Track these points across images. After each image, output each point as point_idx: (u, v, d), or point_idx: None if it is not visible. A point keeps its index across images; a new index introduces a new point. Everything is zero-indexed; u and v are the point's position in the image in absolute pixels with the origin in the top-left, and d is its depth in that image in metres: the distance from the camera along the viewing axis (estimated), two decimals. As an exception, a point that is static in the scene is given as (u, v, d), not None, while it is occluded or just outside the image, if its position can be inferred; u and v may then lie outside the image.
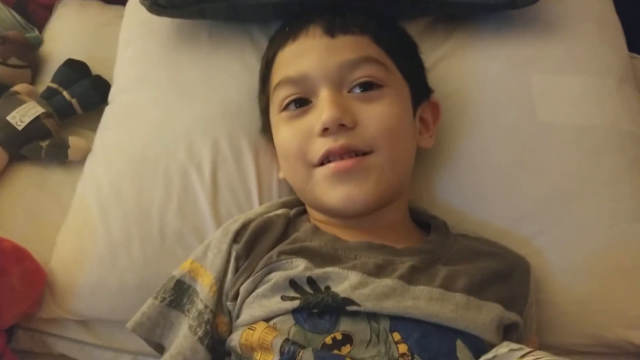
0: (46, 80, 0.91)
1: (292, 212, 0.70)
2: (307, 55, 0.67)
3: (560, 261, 0.71)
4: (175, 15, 0.82)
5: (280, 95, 0.68)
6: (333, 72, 0.66)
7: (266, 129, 0.74)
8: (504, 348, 0.54)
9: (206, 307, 0.62)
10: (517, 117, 0.76)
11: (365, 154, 0.64)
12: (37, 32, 0.99)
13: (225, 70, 0.81)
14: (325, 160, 0.64)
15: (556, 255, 0.71)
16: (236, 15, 0.83)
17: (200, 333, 0.61)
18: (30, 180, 0.83)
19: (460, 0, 0.78)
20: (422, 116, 0.73)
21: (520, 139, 0.75)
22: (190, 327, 0.62)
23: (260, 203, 0.74)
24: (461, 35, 0.83)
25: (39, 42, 0.98)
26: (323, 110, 0.64)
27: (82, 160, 0.82)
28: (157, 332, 0.64)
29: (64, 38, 0.97)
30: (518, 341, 0.59)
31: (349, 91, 0.66)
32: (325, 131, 0.63)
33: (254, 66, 0.81)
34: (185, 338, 0.61)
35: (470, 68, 0.80)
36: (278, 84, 0.69)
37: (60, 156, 0.83)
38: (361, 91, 0.66)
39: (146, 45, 0.86)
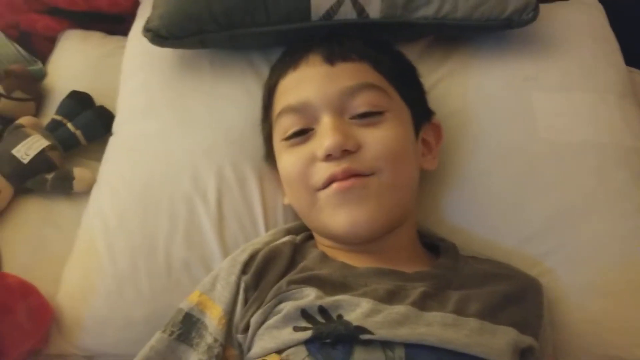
0: (50, 112, 0.91)
1: (298, 238, 0.70)
2: (308, 83, 0.68)
3: (572, 280, 0.70)
4: (176, 46, 0.83)
5: (282, 124, 0.69)
6: (334, 99, 0.66)
7: (270, 156, 0.75)
8: None
9: (216, 340, 0.61)
10: (519, 135, 0.76)
11: (368, 175, 0.64)
12: (40, 65, 0.99)
13: (227, 98, 0.82)
14: (328, 183, 0.64)
15: (567, 275, 0.71)
16: (237, 44, 0.84)
17: None
18: (36, 213, 0.83)
19: (457, 22, 0.79)
20: (425, 138, 0.73)
21: (524, 157, 0.75)
22: None
23: (266, 229, 0.74)
24: (459, 55, 0.84)
25: (42, 75, 0.98)
26: (325, 136, 0.64)
27: (87, 192, 0.82)
28: None
29: (67, 70, 0.98)
30: None
31: (351, 118, 0.66)
32: (328, 157, 0.64)
33: (256, 92, 0.81)
34: None
35: (470, 88, 0.80)
36: (280, 112, 0.69)
37: (65, 188, 0.83)
38: (362, 118, 0.66)
39: (148, 75, 0.86)
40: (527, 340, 0.62)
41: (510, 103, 0.78)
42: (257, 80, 0.83)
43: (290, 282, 0.61)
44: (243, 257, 0.65)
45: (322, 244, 0.69)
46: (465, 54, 0.83)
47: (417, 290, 0.61)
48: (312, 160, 0.65)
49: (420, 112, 0.73)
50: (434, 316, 0.58)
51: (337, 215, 0.64)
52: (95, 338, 0.72)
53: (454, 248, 0.70)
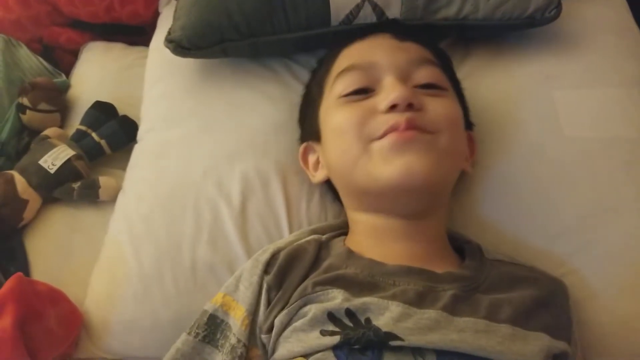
0: (75, 123, 0.93)
1: (324, 237, 0.69)
2: (377, 49, 0.69)
3: (601, 279, 0.69)
4: (198, 56, 0.84)
5: (343, 81, 0.68)
6: (401, 65, 0.67)
7: (306, 124, 0.75)
8: None
9: (239, 341, 0.61)
10: (544, 134, 0.75)
11: (428, 133, 0.63)
12: (64, 77, 1.02)
13: (249, 104, 0.83)
14: (387, 133, 0.63)
15: (597, 273, 0.69)
16: (258, 52, 0.85)
17: None
18: (63, 222, 0.84)
19: (478, 22, 0.79)
20: None
21: (549, 155, 0.74)
22: None
23: (290, 232, 0.74)
24: (480, 55, 0.84)
25: (66, 87, 1.00)
26: (391, 90, 0.64)
27: (113, 200, 0.83)
28: None
29: (90, 81, 1.00)
30: None
31: (414, 86, 0.67)
32: (392, 108, 0.63)
33: (278, 98, 0.83)
34: None
35: (491, 87, 0.80)
36: (343, 70, 0.69)
37: (91, 196, 0.84)
38: (426, 88, 0.67)
39: (171, 84, 0.88)
40: (560, 345, 0.60)
41: (532, 101, 0.77)
42: (278, 87, 0.84)
43: (316, 284, 0.61)
44: (265, 256, 0.65)
45: (354, 233, 0.69)
46: (486, 54, 0.83)
47: (447, 293, 0.60)
48: (371, 112, 0.64)
49: (464, 119, 0.72)
50: (466, 322, 0.57)
51: (390, 164, 0.61)
52: (122, 341, 0.73)
53: (479, 250, 0.69)
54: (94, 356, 0.74)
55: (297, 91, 0.83)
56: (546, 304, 0.63)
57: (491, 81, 0.80)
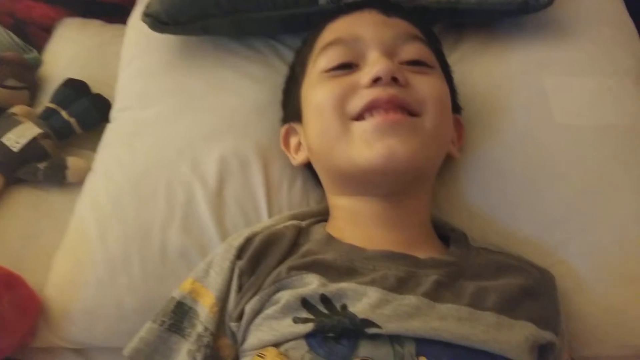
0: (45, 102, 0.88)
1: (304, 223, 0.65)
2: (363, 23, 0.66)
3: (592, 268, 0.67)
4: (178, 32, 0.80)
5: (326, 56, 0.65)
6: (387, 40, 0.64)
7: (291, 110, 0.71)
8: None
9: (206, 329, 0.57)
10: (534, 121, 0.73)
11: (413, 115, 0.61)
12: (35, 53, 0.97)
13: (230, 83, 0.79)
14: (366, 113, 0.60)
15: (587, 263, 0.67)
16: (241, 30, 0.81)
17: (199, 358, 0.56)
18: (27, 204, 0.79)
19: (471, 6, 0.77)
20: None
21: (539, 143, 0.72)
22: (189, 351, 0.57)
23: (270, 216, 0.70)
24: (471, 41, 0.82)
25: (37, 63, 0.96)
26: (375, 63, 0.61)
27: (82, 182, 0.78)
28: (156, 359, 0.59)
29: (63, 58, 0.96)
30: None
31: (400, 62, 0.64)
32: (375, 82, 0.60)
33: (261, 78, 0.79)
34: None
35: (483, 73, 0.78)
36: (327, 45, 0.66)
37: (58, 178, 0.80)
38: (412, 65, 0.64)
39: (149, 60, 0.84)
40: (546, 335, 0.58)
41: (524, 88, 0.75)
42: (261, 67, 0.81)
43: (290, 268, 0.57)
44: (239, 241, 0.61)
45: (334, 217, 0.66)
46: (478, 40, 0.81)
47: (429, 278, 0.57)
48: (353, 88, 0.61)
49: (451, 102, 0.70)
50: (448, 309, 0.54)
51: (372, 147, 0.58)
52: (84, 330, 0.68)
53: (465, 238, 0.66)
54: (54, 346, 0.70)
55: (281, 73, 0.79)
56: (533, 293, 0.60)
57: (483, 67, 0.78)
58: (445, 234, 0.67)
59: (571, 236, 0.68)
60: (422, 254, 0.60)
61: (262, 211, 0.70)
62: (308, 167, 0.71)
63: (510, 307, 0.57)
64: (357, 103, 0.60)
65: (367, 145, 0.59)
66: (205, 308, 0.58)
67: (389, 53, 0.64)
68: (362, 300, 0.53)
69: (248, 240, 0.61)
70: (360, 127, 0.60)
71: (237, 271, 0.59)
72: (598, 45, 0.79)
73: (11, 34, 0.97)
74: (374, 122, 0.59)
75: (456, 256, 0.62)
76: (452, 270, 0.59)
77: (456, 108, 0.72)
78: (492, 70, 0.78)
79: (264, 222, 0.68)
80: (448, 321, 0.53)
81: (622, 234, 0.68)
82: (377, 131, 0.59)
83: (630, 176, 0.70)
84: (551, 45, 0.79)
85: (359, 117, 0.61)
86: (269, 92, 0.78)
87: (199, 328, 0.57)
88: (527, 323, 0.56)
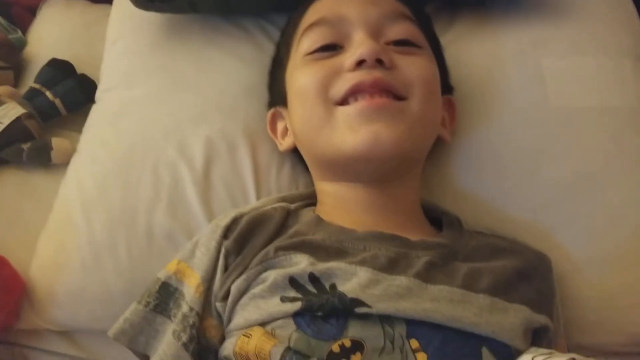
0: (30, 83, 0.87)
1: (293, 205, 0.64)
2: (348, 2, 0.64)
3: (587, 252, 0.66)
4: (164, 10, 0.78)
5: (310, 37, 0.63)
6: (373, 20, 0.62)
7: (277, 95, 0.70)
8: (530, 354, 0.48)
9: (191, 309, 0.56)
10: (530, 102, 0.72)
11: (399, 98, 0.59)
12: (20, 33, 0.95)
13: (219, 63, 0.77)
14: (350, 98, 0.59)
15: (583, 247, 0.66)
16: (229, 7, 0.79)
17: (184, 338, 0.55)
18: (11, 185, 0.78)
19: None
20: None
21: (535, 124, 0.71)
22: (174, 332, 0.55)
23: (258, 199, 0.69)
24: (467, 20, 0.80)
25: (22, 44, 0.94)
26: (359, 45, 0.59)
27: (66, 163, 0.77)
28: (142, 341, 0.57)
29: (48, 39, 0.94)
30: (548, 347, 0.54)
31: (387, 43, 0.62)
32: (359, 64, 0.58)
33: (250, 59, 0.78)
34: (169, 345, 0.55)
35: (477, 54, 0.76)
36: (310, 25, 0.64)
37: (42, 159, 0.78)
38: (399, 46, 0.62)
39: (135, 39, 0.82)
40: (540, 319, 0.57)
41: (520, 69, 0.74)
42: (251, 47, 0.79)
43: (278, 248, 0.56)
44: (225, 221, 0.60)
45: (322, 203, 0.65)
46: (472, 20, 0.79)
47: (421, 259, 0.56)
48: (336, 72, 0.60)
49: (442, 82, 0.68)
50: (440, 290, 0.53)
51: (356, 133, 0.57)
52: (69, 312, 0.67)
53: (458, 221, 0.65)
54: (39, 328, 0.69)
55: (270, 53, 0.77)
56: (528, 276, 0.59)
57: (477, 47, 0.77)
58: (438, 218, 0.66)
59: (566, 219, 0.67)
60: (413, 236, 0.59)
61: (250, 194, 0.69)
62: (295, 152, 0.70)
63: (504, 289, 0.56)
64: (340, 87, 0.59)
65: (351, 130, 0.58)
66: (190, 288, 0.57)
67: (375, 33, 0.62)
68: (352, 280, 0.53)
69: (235, 220, 0.60)
70: (344, 112, 0.59)
71: (223, 251, 0.58)
72: (596, 25, 0.78)
73: (-6, 13, 0.95)
74: (358, 106, 0.58)
75: (448, 238, 0.61)
76: (444, 252, 0.58)
77: (448, 89, 0.71)
78: (487, 50, 0.76)
79: (252, 204, 0.67)
80: (440, 303, 0.52)
81: (617, 218, 0.67)
82: (362, 116, 0.57)
83: (626, 159, 0.69)
84: (548, 25, 0.77)
85: (343, 101, 0.59)
86: (257, 73, 0.76)
87: (185, 308, 0.56)
88: (521, 306, 0.56)
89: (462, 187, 0.70)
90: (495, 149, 0.70)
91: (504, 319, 0.53)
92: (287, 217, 0.61)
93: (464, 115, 0.72)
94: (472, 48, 0.77)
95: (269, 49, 0.79)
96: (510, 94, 0.73)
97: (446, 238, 0.61)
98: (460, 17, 0.80)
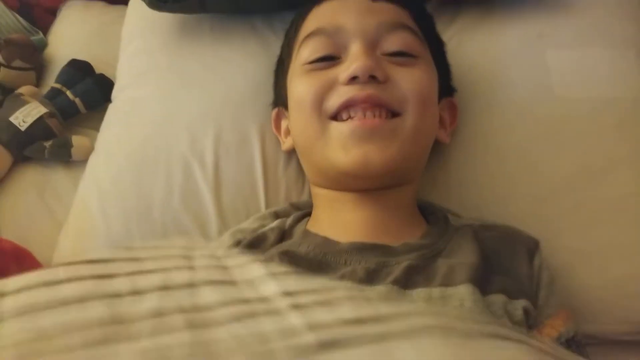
0: (51, 83, 0.90)
1: (288, 222, 0.65)
2: (346, 11, 0.64)
3: (591, 242, 0.66)
4: (175, 10, 0.80)
5: (308, 47, 0.64)
6: (370, 30, 0.62)
7: (280, 96, 0.71)
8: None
9: None
10: (534, 93, 0.72)
11: (393, 114, 0.59)
12: (41, 35, 0.99)
13: (228, 61, 0.79)
14: (344, 112, 0.59)
15: (586, 236, 0.66)
16: (239, 6, 0.81)
17: None
18: (33, 181, 0.82)
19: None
20: (440, 113, 0.68)
21: (539, 115, 0.71)
22: None
23: (266, 195, 0.71)
24: (471, 13, 0.80)
25: (43, 45, 0.97)
26: (354, 59, 0.59)
27: (85, 160, 0.80)
28: None
29: (68, 39, 0.97)
30: (531, 328, 0.54)
31: (383, 54, 0.62)
32: (352, 80, 0.59)
33: (258, 56, 0.79)
34: None
35: (481, 46, 0.76)
36: (309, 35, 0.64)
37: (63, 156, 0.82)
38: (395, 56, 0.62)
39: (148, 40, 0.84)
40: (517, 305, 0.55)
41: (523, 60, 0.74)
42: (259, 45, 0.80)
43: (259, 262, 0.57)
44: (229, 243, 0.62)
45: (315, 206, 0.65)
46: (477, 12, 0.79)
47: (401, 265, 0.55)
48: (332, 84, 0.60)
49: (443, 84, 0.68)
50: (418, 293, 0.53)
51: (348, 152, 0.58)
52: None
53: (444, 218, 0.65)
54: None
55: (278, 52, 0.77)
56: (505, 262, 0.59)
57: (481, 39, 0.77)
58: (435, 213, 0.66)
59: (569, 209, 0.67)
60: (397, 240, 0.59)
61: (259, 190, 0.71)
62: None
63: (481, 280, 0.55)
64: (334, 101, 0.60)
65: (344, 149, 0.58)
66: None
67: (372, 44, 0.62)
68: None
69: (237, 243, 0.62)
70: (337, 129, 0.59)
71: None
72: (601, 17, 0.77)
73: (17, 16, 0.99)
74: (351, 125, 0.58)
75: (432, 237, 0.60)
76: (426, 253, 0.58)
77: (450, 90, 0.71)
78: (491, 43, 0.76)
79: (249, 221, 0.67)
80: (417, 304, 0.51)
81: (620, 208, 0.66)
82: (354, 137, 0.58)
83: (629, 150, 0.68)
84: (553, 17, 0.76)
85: (337, 115, 0.60)
86: (266, 70, 0.77)
87: None
88: (498, 295, 0.55)
89: (464, 177, 0.71)
90: (497, 139, 0.71)
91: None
92: (283, 237, 0.62)
93: (467, 107, 0.72)
94: (476, 39, 0.77)
95: (277, 46, 0.79)
96: (513, 84, 0.73)
97: (430, 237, 0.60)
98: (465, 9, 0.80)
